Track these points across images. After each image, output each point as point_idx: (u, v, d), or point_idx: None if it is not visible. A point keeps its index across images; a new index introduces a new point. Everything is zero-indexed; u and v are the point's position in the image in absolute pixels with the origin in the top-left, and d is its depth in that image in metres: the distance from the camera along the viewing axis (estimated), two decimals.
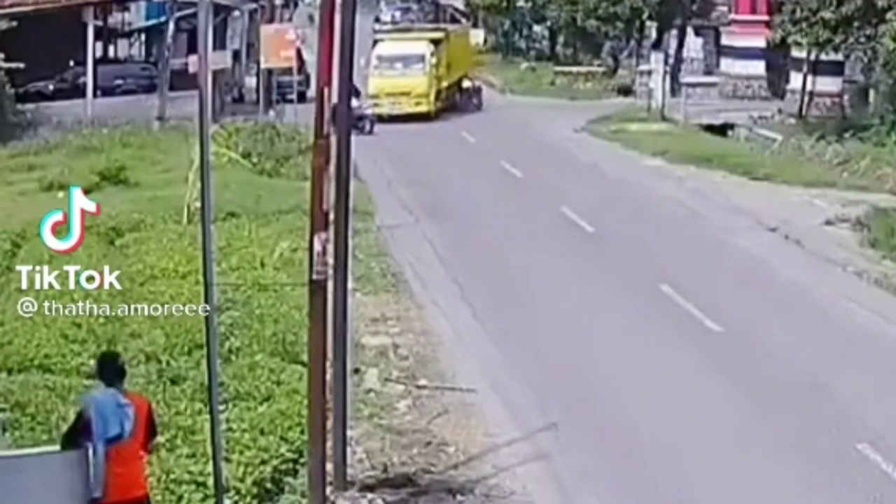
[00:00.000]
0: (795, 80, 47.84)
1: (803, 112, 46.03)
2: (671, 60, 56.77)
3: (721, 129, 45.67)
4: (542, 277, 22.04)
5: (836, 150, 36.90)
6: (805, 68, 45.99)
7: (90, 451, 9.00)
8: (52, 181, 29.89)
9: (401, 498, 12.63)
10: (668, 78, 50.62)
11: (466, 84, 53.04)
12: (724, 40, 56.99)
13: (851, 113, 44.67)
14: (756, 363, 17.00)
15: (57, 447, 9.73)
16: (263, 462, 12.29)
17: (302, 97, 44.49)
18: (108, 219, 24.17)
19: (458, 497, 12.71)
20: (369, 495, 12.65)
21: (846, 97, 46.24)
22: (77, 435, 9.23)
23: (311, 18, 75.19)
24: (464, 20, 76.98)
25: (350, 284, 14.60)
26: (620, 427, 14.73)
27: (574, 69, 66.22)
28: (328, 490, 12.03)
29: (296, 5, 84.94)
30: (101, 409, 9.18)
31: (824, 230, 26.21)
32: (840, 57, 42.79)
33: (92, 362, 15.53)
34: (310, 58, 45.12)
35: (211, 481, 10.62)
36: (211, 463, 10.40)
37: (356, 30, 11.94)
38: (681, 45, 60.55)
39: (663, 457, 13.74)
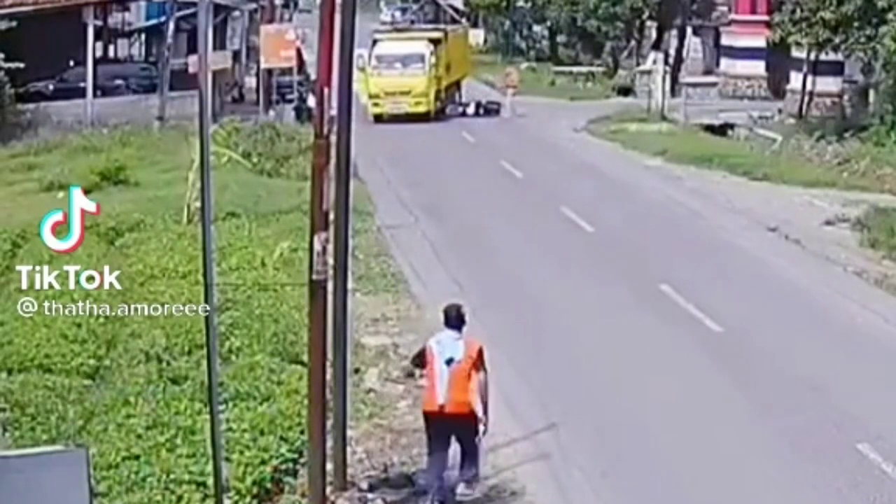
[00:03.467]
0: (795, 80, 47.86)
1: (803, 112, 46.03)
2: (671, 60, 56.77)
3: (721, 129, 45.67)
4: (542, 277, 22.03)
5: (836, 150, 36.90)
6: (805, 68, 45.99)
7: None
8: (52, 181, 29.90)
9: (401, 498, 12.62)
10: (667, 78, 50.62)
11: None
12: (724, 40, 57.01)
13: (851, 113, 44.66)
14: (756, 363, 16.99)
15: (57, 447, 9.71)
16: (263, 462, 12.29)
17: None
18: (108, 219, 24.17)
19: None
20: (369, 495, 12.64)
21: (846, 97, 46.24)
22: (418, 358, 12.52)
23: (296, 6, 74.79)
24: (463, 20, 77.08)
25: (350, 284, 14.58)
26: (621, 427, 14.71)
27: (574, 69, 66.25)
28: (328, 490, 12.03)
29: (296, 5, 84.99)
30: (442, 340, 12.17)
31: (824, 230, 26.20)
32: (840, 57, 42.81)
33: (92, 362, 15.60)
34: (310, 58, 45.16)
35: (211, 481, 10.62)
36: (211, 463, 10.39)
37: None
38: (681, 45, 60.56)
39: (664, 456, 13.73)
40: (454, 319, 12.37)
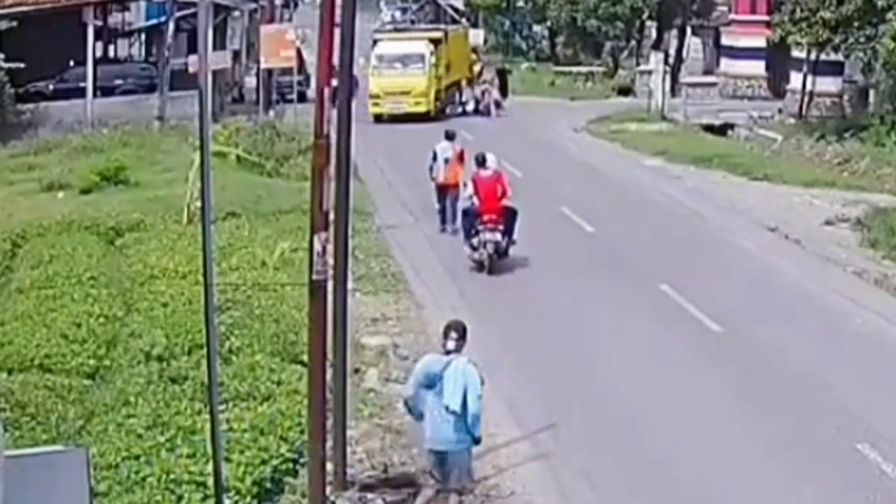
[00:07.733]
0: (795, 80, 47.86)
1: (803, 112, 46.03)
2: (671, 60, 56.77)
3: (721, 129, 45.68)
4: (542, 277, 22.03)
5: (836, 150, 36.91)
6: (805, 68, 46.00)
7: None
8: (52, 181, 29.94)
9: (401, 498, 12.62)
10: (668, 78, 50.64)
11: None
12: (724, 40, 57.03)
13: (851, 113, 44.66)
14: (756, 363, 16.99)
15: (57, 447, 9.69)
16: (263, 462, 12.29)
17: (302, 97, 44.53)
18: (108, 219, 24.19)
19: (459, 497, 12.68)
20: (369, 495, 12.64)
21: (846, 97, 46.23)
22: (433, 158, 25.47)
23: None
24: (463, 20, 77.06)
25: (350, 284, 14.58)
26: (621, 427, 14.72)
27: (574, 69, 66.27)
28: (328, 490, 12.03)
29: (296, 5, 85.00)
30: (443, 146, 25.27)
31: (824, 230, 26.20)
32: (840, 57, 42.81)
33: (92, 362, 15.60)
34: (310, 58, 45.14)
35: (211, 481, 10.62)
36: (211, 463, 10.39)
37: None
38: (681, 45, 60.57)
39: (664, 456, 13.73)
40: (451, 135, 25.94)
